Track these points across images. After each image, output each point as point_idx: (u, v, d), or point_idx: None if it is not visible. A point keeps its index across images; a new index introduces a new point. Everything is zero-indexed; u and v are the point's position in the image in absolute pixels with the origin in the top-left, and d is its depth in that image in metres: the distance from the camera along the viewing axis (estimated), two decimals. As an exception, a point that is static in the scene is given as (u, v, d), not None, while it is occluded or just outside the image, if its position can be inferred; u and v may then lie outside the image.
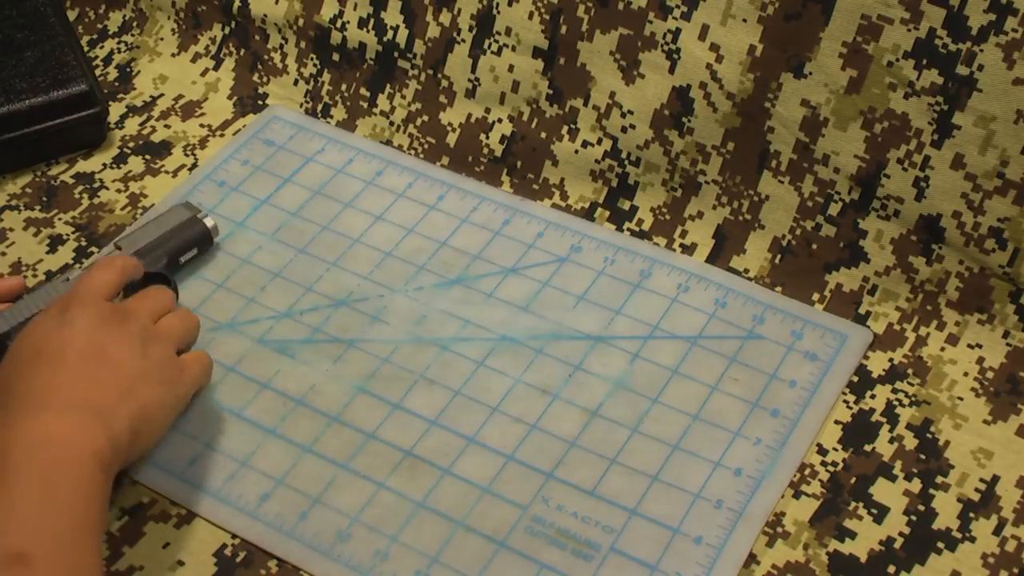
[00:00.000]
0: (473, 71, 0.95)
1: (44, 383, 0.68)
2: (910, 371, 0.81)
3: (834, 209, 0.85)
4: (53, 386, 0.68)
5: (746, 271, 0.88)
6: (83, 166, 0.99)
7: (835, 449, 0.78)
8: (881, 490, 0.76)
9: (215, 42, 1.06)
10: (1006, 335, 0.82)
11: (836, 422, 0.79)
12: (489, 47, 0.94)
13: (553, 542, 0.73)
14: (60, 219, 0.94)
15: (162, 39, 1.08)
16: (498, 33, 0.93)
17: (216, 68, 1.06)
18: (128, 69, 1.07)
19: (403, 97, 0.99)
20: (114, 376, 0.70)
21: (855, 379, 0.81)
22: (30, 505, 0.61)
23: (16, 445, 0.63)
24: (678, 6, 0.86)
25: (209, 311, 0.86)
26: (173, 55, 1.07)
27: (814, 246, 0.86)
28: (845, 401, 0.80)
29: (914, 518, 0.74)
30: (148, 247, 0.86)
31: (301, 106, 1.02)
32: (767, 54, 0.84)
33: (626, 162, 0.91)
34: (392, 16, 0.97)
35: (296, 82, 1.03)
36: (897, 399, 0.80)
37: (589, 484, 0.76)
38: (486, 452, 0.78)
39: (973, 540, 0.73)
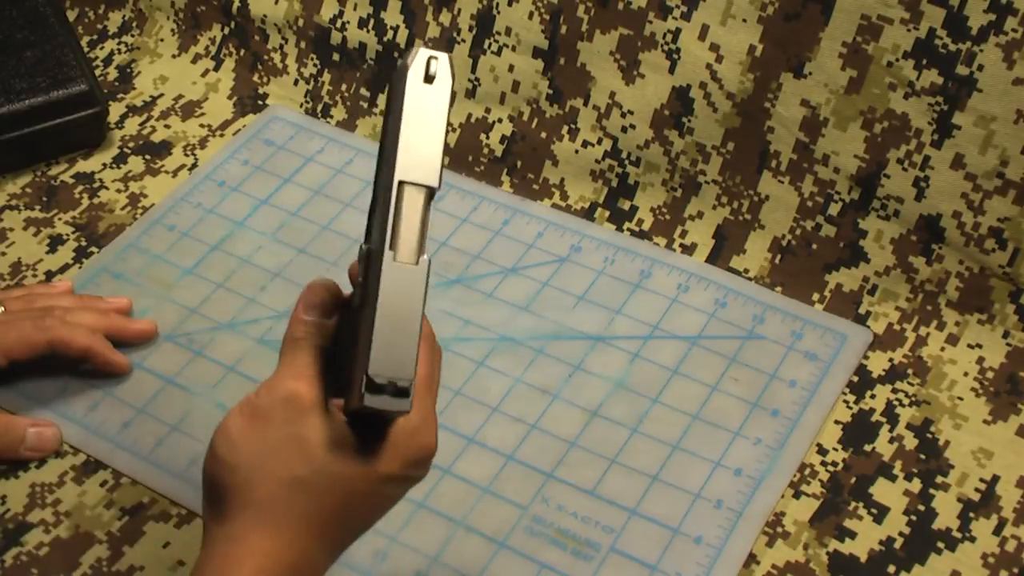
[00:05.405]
0: (473, 71, 0.95)
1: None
2: (910, 371, 0.81)
3: (834, 209, 0.85)
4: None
5: (746, 271, 0.88)
6: (83, 166, 0.99)
7: (835, 449, 0.77)
8: (881, 490, 0.75)
9: (215, 42, 1.06)
10: (1006, 335, 0.82)
11: (836, 422, 0.79)
12: (489, 47, 0.94)
13: (553, 542, 0.73)
14: (60, 219, 0.94)
15: (162, 40, 1.08)
16: (498, 33, 0.93)
17: (216, 68, 1.06)
18: (128, 70, 1.07)
19: (403, 97, 0.98)
20: None
21: (855, 379, 0.81)
22: None
23: None
24: (678, 6, 0.86)
25: (209, 311, 0.86)
26: (174, 56, 1.07)
27: (814, 246, 0.86)
28: (845, 401, 0.80)
29: (914, 518, 0.74)
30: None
31: (301, 106, 1.02)
32: (767, 54, 0.84)
33: (626, 162, 0.91)
34: (392, 16, 0.97)
35: (296, 82, 1.03)
36: (897, 399, 0.80)
37: (589, 484, 0.76)
38: (486, 452, 0.78)
39: (973, 540, 0.73)
